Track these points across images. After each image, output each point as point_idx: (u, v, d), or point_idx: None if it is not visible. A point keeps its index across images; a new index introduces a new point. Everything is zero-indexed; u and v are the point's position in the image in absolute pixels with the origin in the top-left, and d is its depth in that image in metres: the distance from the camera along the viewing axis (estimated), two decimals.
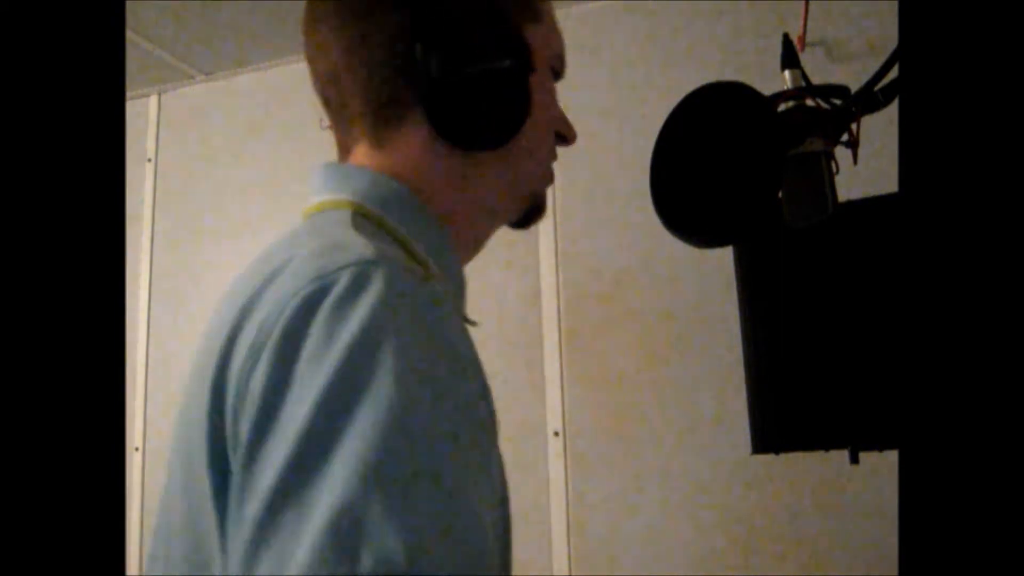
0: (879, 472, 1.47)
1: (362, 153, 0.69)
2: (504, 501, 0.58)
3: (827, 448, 1.12)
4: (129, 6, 1.78)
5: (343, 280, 0.50)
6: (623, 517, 1.71)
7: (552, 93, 0.74)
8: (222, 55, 2.18)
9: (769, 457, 1.15)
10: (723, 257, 1.22)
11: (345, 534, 0.42)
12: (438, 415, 0.48)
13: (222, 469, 0.51)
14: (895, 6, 0.62)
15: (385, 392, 0.46)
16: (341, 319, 0.49)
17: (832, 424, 1.09)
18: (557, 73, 0.75)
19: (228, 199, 2.22)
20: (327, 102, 0.71)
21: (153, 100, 2.35)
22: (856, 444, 1.07)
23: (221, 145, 2.26)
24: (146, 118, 2.34)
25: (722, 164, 0.89)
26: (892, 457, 0.83)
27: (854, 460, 1.07)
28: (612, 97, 1.83)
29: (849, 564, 1.55)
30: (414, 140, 0.67)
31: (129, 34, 2.01)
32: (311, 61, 0.71)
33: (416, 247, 0.63)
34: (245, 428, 0.49)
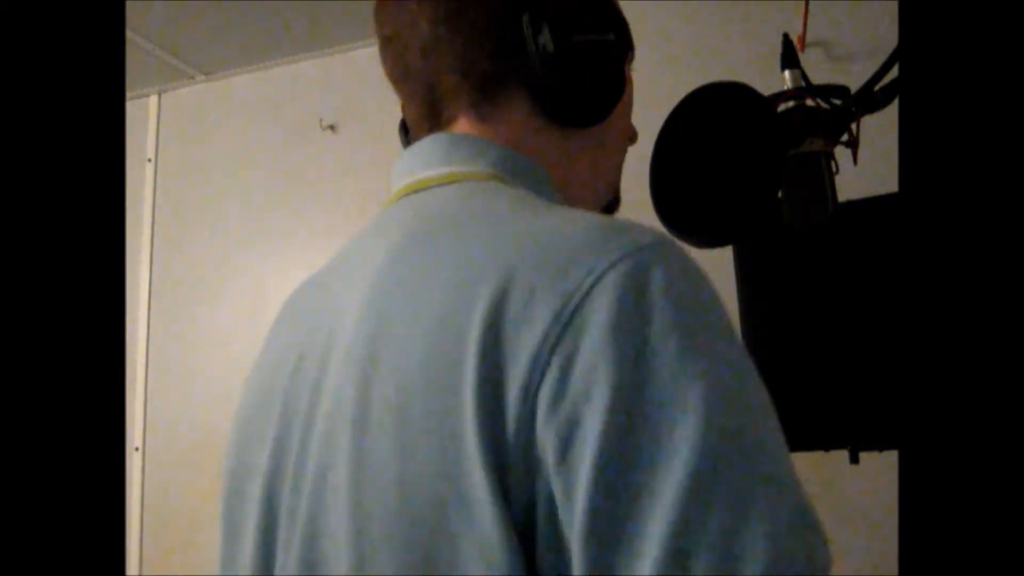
0: (879, 472, 1.47)
1: (463, 126, 0.65)
2: None
3: (827, 448, 1.12)
4: (129, 6, 1.78)
5: (657, 254, 0.48)
6: None
7: (631, 84, 0.72)
8: (222, 55, 2.18)
9: None
10: (723, 257, 1.22)
11: (799, 532, 0.43)
12: (761, 391, 0.50)
13: (497, 450, 0.46)
14: (895, 6, 0.62)
15: (745, 366, 0.49)
16: (690, 296, 0.48)
17: (832, 424, 1.09)
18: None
19: (228, 199, 2.22)
20: (407, 76, 0.66)
21: (153, 100, 2.35)
22: (856, 444, 1.07)
23: (221, 145, 2.26)
24: (146, 118, 2.34)
25: (722, 164, 0.89)
26: (892, 457, 0.83)
27: (854, 460, 1.07)
28: None
29: (849, 564, 1.55)
30: (516, 114, 0.65)
31: (129, 34, 2.01)
32: (392, 36, 0.66)
33: None
34: (577, 412, 0.44)
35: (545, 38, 0.61)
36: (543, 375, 0.45)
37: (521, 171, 0.63)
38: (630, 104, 0.73)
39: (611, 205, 0.75)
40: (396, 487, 0.48)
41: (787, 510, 0.43)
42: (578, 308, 0.46)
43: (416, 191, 0.64)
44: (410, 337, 0.51)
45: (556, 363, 0.45)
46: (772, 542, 0.42)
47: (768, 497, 0.43)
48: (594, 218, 0.53)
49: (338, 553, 0.51)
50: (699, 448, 0.43)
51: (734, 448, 0.44)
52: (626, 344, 0.45)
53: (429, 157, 0.65)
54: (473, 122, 0.65)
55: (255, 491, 0.60)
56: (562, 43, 0.62)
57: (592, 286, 0.46)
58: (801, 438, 1.12)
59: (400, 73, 0.67)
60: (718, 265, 1.56)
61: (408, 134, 0.72)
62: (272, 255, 2.15)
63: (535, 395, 0.45)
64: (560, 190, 0.66)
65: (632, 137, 0.76)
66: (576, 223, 0.51)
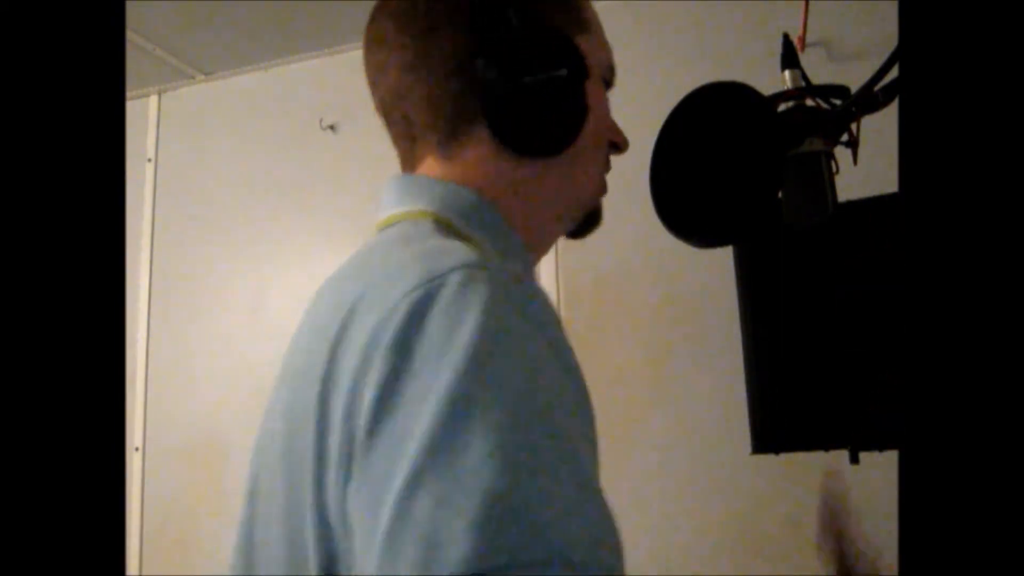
0: (879, 472, 1.47)
1: (430, 166, 0.72)
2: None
3: (827, 448, 1.12)
4: (129, 6, 1.77)
5: (452, 282, 0.52)
6: (622, 517, 1.70)
7: (604, 102, 0.76)
8: (222, 55, 2.18)
9: (769, 457, 1.15)
10: (723, 257, 1.22)
11: (500, 522, 0.43)
12: (563, 409, 0.50)
13: (322, 469, 0.53)
14: (895, 6, 0.62)
15: (514, 386, 0.48)
16: (457, 319, 0.50)
17: (832, 424, 1.09)
18: (607, 83, 0.77)
19: (228, 199, 2.22)
20: (390, 119, 0.74)
21: (153, 100, 2.35)
22: (856, 444, 1.07)
23: (221, 145, 2.26)
24: (146, 118, 2.34)
25: (722, 164, 0.89)
26: (892, 457, 0.83)
27: (854, 460, 1.07)
28: (611, 97, 1.82)
29: None
30: (479, 151, 0.70)
31: (129, 34, 2.01)
32: (373, 81, 0.74)
33: (492, 254, 0.65)
34: (361, 426, 0.50)
35: (498, 79, 0.66)
36: (358, 393, 0.51)
37: (460, 206, 0.68)
38: (605, 120, 0.75)
39: (589, 222, 0.78)
40: (283, 515, 0.58)
41: (475, 507, 0.44)
42: (380, 335, 0.52)
43: (380, 229, 0.71)
44: (294, 366, 0.61)
45: (362, 388, 0.51)
46: (478, 531, 0.43)
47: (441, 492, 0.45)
48: (419, 248, 0.59)
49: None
50: (414, 459, 0.46)
51: (441, 460, 0.46)
52: (387, 367, 0.50)
53: (389, 198, 0.72)
54: (438, 160, 0.71)
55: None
56: (513, 83, 0.66)
57: (388, 317, 0.52)
58: (801, 438, 1.12)
59: (383, 115, 0.75)
60: (718, 265, 1.57)
61: None
62: (272, 255, 2.15)
63: (352, 416, 0.52)
64: (523, 217, 0.71)
65: (621, 144, 0.78)
66: (411, 253, 0.58)
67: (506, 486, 0.44)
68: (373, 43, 0.73)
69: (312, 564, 0.53)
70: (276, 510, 0.59)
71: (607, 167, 0.78)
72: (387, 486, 0.46)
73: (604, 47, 0.77)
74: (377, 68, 0.73)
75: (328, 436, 0.53)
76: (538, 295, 0.56)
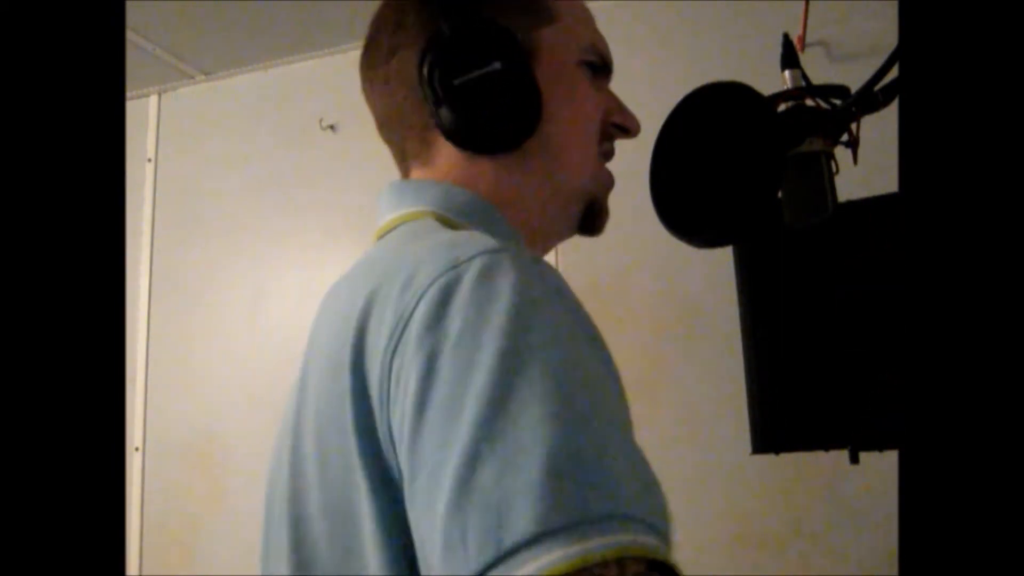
0: (879, 472, 1.48)
1: (416, 174, 0.75)
2: None
3: (827, 448, 1.12)
4: (129, 6, 1.78)
5: (476, 265, 0.53)
6: None
7: (584, 87, 0.75)
8: (222, 55, 2.18)
9: (769, 457, 1.15)
10: (723, 257, 1.22)
11: (562, 481, 0.44)
12: (598, 373, 0.52)
13: (372, 452, 0.53)
14: (895, 6, 0.62)
15: (555, 352, 0.49)
16: (489, 296, 0.51)
17: (832, 424, 1.09)
18: (595, 65, 0.76)
19: (228, 199, 2.22)
20: (389, 142, 0.78)
21: (153, 100, 2.35)
22: (856, 444, 1.07)
23: (221, 145, 2.26)
24: (146, 118, 2.34)
25: (722, 164, 0.89)
26: (892, 457, 0.83)
27: (854, 460, 1.07)
28: None
29: (849, 564, 1.55)
30: (450, 156, 0.72)
31: (129, 34, 2.01)
32: (372, 111, 0.79)
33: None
34: (402, 410, 0.51)
35: (436, 83, 0.68)
36: (389, 383, 0.52)
37: (457, 203, 0.70)
38: (585, 103, 0.75)
39: (591, 215, 0.78)
40: (320, 500, 0.57)
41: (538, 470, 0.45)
42: (409, 321, 0.53)
43: (381, 235, 0.73)
44: (319, 361, 0.61)
45: (394, 371, 0.52)
46: (542, 492, 0.44)
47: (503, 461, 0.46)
48: (445, 237, 0.60)
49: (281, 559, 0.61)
50: (471, 429, 0.46)
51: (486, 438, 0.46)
52: (424, 348, 0.51)
53: (387, 203, 0.75)
54: (421, 169, 0.75)
55: (280, 507, 0.66)
56: (447, 85, 0.68)
57: (418, 300, 0.53)
58: (801, 438, 1.12)
59: (382, 137, 0.79)
60: (718, 265, 1.57)
61: None
62: (272, 255, 2.15)
63: (388, 400, 0.53)
64: (517, 211, 0.72)
65: (627, 126, 0.78)
66: (431, 243, 0.59)
67: (564, 446, 0.45)
68: (362, 80, 0.78)
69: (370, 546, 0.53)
70: (315, 512, 0.59)
71: (606, 153, 0.78)
72: (444, 458, 0.46)
73: (582, 30, 0.76)
74: (368, 99, 0.78)
75: (369, 417, 0.54)
76: (558, 274, 0.57)
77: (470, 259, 0.54)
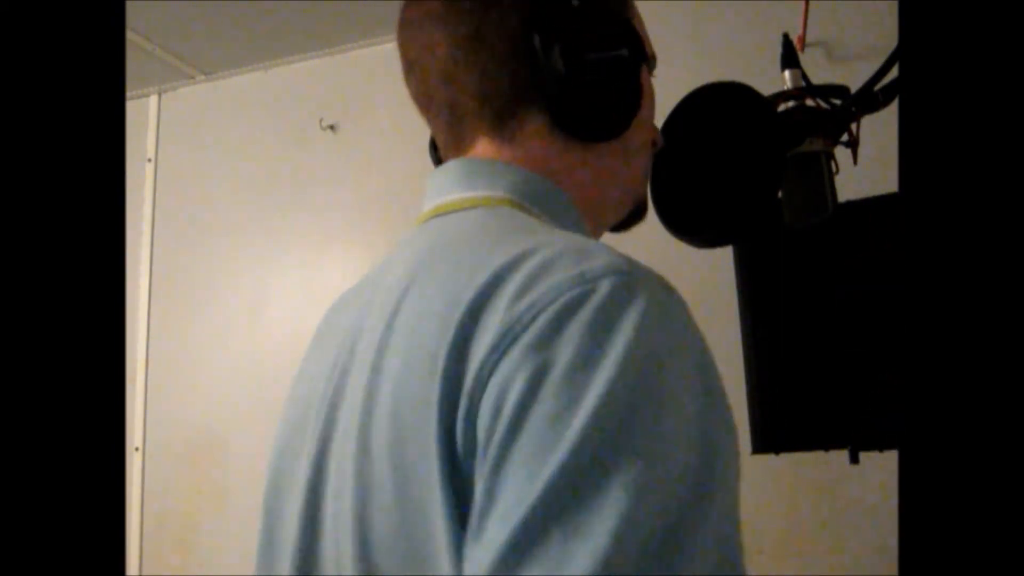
0: (879, 472, 1.47)
1: (484, 149, 0.67)
2: None
3: (827, 448, 1.12)
4: (129, 6, 1.78)
5: (605, 287, 0.49)
6: None
7: (651, 89, 0.73)
8: (222, 55, 2.18)
9: (769, 457, 1.15)
10: (723, 257, 1.22)
11: (626, 555, 0.41)
12: (716, 435, 0.48)
13: (454, 466, 0.49)
14: (895, 6, 0.62)
15: (666, 417, 0.46)
16: (610, 328, 0.47)
17: (832, 424, 1.09)
18: (650, 67, 0.75)
19: (228, 199, 2.22)
20: (432, 103, 0.69)
21: (153, 100, 2.35)
22: (856, 444, 1.07)
23: (221, 145, 2.26)
24: (146, 118, 2.34)
25: (722, 164, 0.89)
26: (892, 457, 0.83)
27: (854, 460, 1.07)
28: None
29: (849, 564, 1.55)
30: (536, 134, 0.66)
31: (129, 34, 2.01)
32: (413, 64, 0.69)
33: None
34: (493, 429, 0.47)
35: (557, 58, 0.63)
36: (482, 395, 0.48)
37: (535, 193, 0.65)
38: (652, 111, 0.73)
39: (637, 212, 0.76)
40: (393, 497, 0.51)
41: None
42: (520, 334, 0.48)
43: (439, 215, 0.67)
44: (407, 349, 0.54)
45: (491, 385, 0.48)
46: (603, 558, 0.41)
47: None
48: (569, 243, 0.54)
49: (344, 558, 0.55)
50: (543, 494, 0.43)
51: (588, 469, 0.44)
52: (530, 367, 0.47)
53: (451, 182, 0.67)
54: (493, 144, 0.67)
55: (295, 503, 0.61)
56: (573, 63, 0.63)
57: (536, 314, 0.48)
58: (801, 438, 1.12)
59: (424, 99, 0.70)
60: (718, 265, 1.57)
61: (438, 152, 0.75)
62: (272, 255, 2.15)
63: (476, 412, 0.48)
64: (582, 204, 0.68)
65: (658, 142, 0.77)
66: (550, 247, 0.53)
67: (639, 523, 0.42)
68: (420, 20, 0.68)
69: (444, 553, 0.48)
70: (384, 501, 0.53)
71: (648, 164, 0.76)
72: (519, 500, 0.44)
73: (646, 34, 0.75)
74: (423, 47, 0.68)
75: (453, 431, 0.49)
76: (685, 308, 0.53)
77: (599, 278, 0.49)
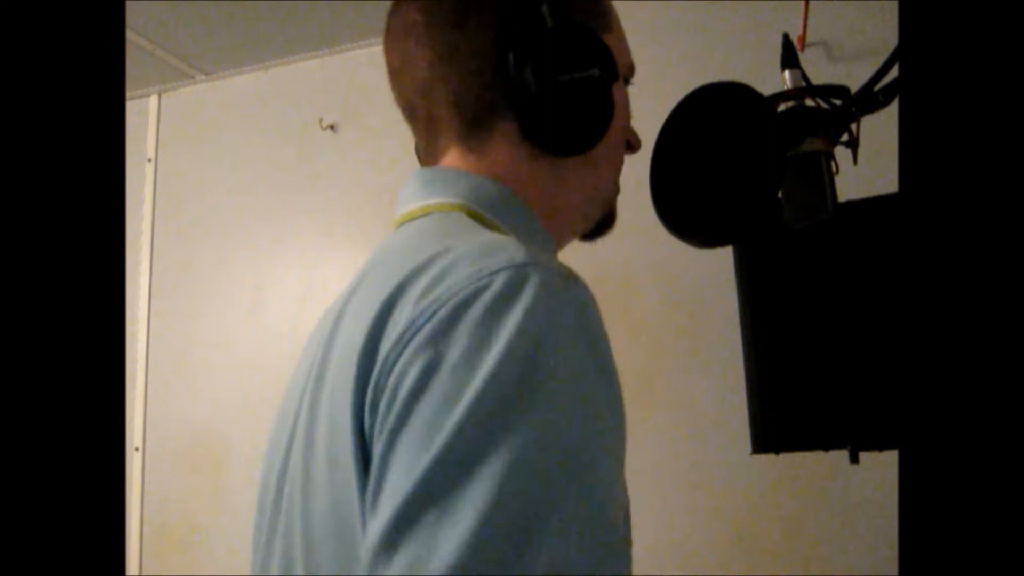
0: (879, 472, 1.48)
1: (453, 159, 0.71)
2: (627, 509, 0.59)
3: (827, 448, 1.12)
4: (129, 6, 1.78)
5: (499, 281, 0.51)
6: None
7: (624, 102, 0.75)
8: (222, 55, 2.18)
9: (769, 457, 1.15)
10: (723, 257, 1.22)
11: (492, 540, 0.44)
12: (592, 432, 0.50)
13: (365, 455, 0.53)
14: (895, 6, 0.62)
15: (541, 403, 0.48)
16: (499, 320, 0.50)
17: (832, 424, 1.09)
18: (627, 81, 0.77)
19: (228, 199, 2.22)
20: (412, 112, 0.73)
21: (153, 100, 2.35)
22: (856, 444, 1.07)
23: (221, 145, 2.26)
24: (146, 118, 2.34)
25: (722, 164, 0.89)
26: (892, 457, 0.83)
27: (854, 460, 1.07)
28: None
29: (849, 564, 1.55)
30: (504, 146, 0.69)
31: (129, 34, 2.01)
32: (396, 73, 0.73)
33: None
34: (387, 415, 0.50)
35: (529, 77, 0.65)
36: (385, 385, 0.52)
37: (490, 199, 0.68)
38: (626, 120, 0.75)
39: (606, 220, 0.78)
40: (326, 482, 0.56)
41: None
42: (420, 328, 0.51)
43: (403, 223, 0.70)
44: (341, 348, 0.59)
45: (393, 375, 0.51)
46: (468, 544, 0.45)
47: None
48: (479, 241, 0.57)
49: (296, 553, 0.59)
50: (422, 476, 0.47)
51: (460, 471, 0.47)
52: (423, 361, 0.50)
53: (414, 191, 0.71)
54: (462, 153, 0.70)
55: (268, 504, 0.66)
56: (545, 82, 0.65)
57: (436, 309, 0.52)
58: (801, 438, 1.12)
59: (405, 107, 0.74)
60: (718, 265, 1.57)
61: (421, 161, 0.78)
62: (272, 255, 2.15)
63: (379, 400, 0.52)
64: (548, 212, 0.71)
65: (634, 144, 0.78)
66: (465, 246, 0.56)
67: (506, 506, 0.45)
68: (399, 32, 0.72)
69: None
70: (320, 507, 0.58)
71: (619, 169, 0.78)
72: (403, 481, 0.47)
73: (625, 45, 0.76)
74: (403, 59, 0.71)
75: (361, 419, 0.53)
76: (583, 295, 0.55)
77: (494, 273, 0.52)
